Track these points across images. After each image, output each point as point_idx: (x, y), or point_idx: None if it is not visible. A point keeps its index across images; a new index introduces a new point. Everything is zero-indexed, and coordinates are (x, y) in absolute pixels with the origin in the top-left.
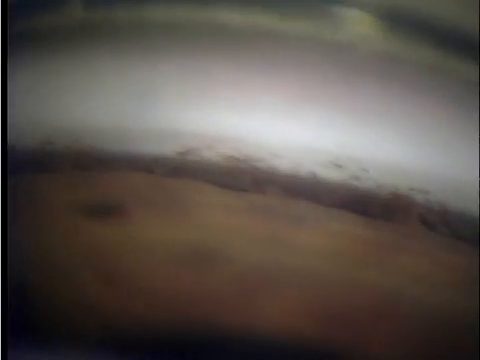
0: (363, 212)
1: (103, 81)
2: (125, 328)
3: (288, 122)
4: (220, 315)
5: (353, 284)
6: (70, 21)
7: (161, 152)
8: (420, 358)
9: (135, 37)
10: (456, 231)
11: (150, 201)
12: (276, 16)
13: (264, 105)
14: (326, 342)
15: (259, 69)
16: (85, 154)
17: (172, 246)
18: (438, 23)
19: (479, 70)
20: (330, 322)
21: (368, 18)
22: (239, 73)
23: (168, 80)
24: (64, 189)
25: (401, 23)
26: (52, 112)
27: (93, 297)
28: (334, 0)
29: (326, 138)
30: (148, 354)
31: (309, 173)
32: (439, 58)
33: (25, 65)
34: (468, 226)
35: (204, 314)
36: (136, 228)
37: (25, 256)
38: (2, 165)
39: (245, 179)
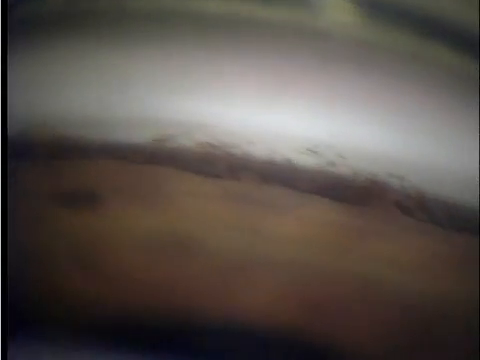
0: (339, 198)
1: (79, 70)
2: (105, 315)
3: (264, 109)
4: (198, 302)
5: (330, 270)
6: (46, 11)
7: (137, 140)
8: (400, 343)
9: (112, 26)
10: (433, 216)
11: (127, 189)
12: (256, 4)
13: (240, 92)
14: (304, 329)
15: (236, 56)
16: (62, 143)
17: (149, 234)
18: (417, 10)
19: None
20: (308, 308)
21: (347, 5)
22: (216, 61)
23: (144, 68)
24: (41, 178)
25: (380, 10)
26: (28, 102)
27: (73, 284)
28: None
29: (302, 124)
30: (129, 339)
31: (284, 159)
32: (417, 45)
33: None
34: (445, 211)
35: (182, 301)
36: (114, 216)
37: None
38: (2, 157)
39: (220, 166)
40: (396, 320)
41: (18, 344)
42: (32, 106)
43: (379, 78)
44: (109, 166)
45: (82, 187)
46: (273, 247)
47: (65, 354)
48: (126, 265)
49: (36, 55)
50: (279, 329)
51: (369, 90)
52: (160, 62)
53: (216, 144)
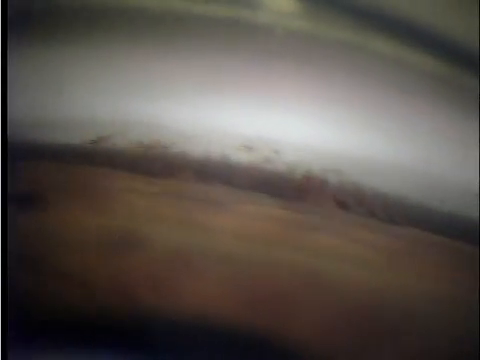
0: (276, 194)
1: (16, 71)
2: (55, 315)
3: (199, 106)
4: (145, 297)
5: (271, 264)
6: None
7: (74, 141)
8: (341, 336)
9: (46, 27)
10: (370, 209)
11: (68, 190)
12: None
13: (176, 90)
14: (244, 322)
15: (170, 55)
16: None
17: (91, 233)
18: (357, 1)
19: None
20: (252, 301)
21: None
22: (151, 59)
23: (80, 69)
24: None
25: (320, 2)
26: None
27: (21, 285)
28: None
29: (238, 121)
30: (79, 338)
31: (221, 156)
32: (357, 36)
33: None
34: (381, 204)
35: (129, 297)
36: (57, 216)
37: None
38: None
39: (157, 164)
40: (339, 313)
41: None
42: None
43: (315, 71)
44: (50, 168)
45: (27, 188)
46: (213, 243)
47: (13, 354)
48: (71, 265)
49: None
50: (225, 322)
51: (304, 84)
52: (96, 63)
53: (152, 143)
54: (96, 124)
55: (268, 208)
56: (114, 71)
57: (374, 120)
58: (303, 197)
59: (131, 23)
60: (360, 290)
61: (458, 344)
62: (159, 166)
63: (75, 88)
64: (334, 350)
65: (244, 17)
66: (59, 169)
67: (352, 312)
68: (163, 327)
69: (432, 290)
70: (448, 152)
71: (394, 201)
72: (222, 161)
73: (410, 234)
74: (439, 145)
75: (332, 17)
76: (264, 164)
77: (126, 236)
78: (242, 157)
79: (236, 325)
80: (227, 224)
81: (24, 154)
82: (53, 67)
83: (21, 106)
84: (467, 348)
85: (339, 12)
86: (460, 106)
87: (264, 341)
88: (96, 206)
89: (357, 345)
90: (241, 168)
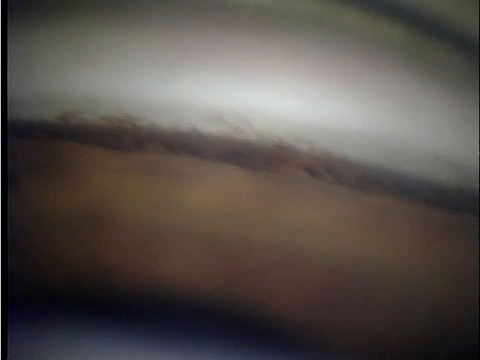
0: (247, 165)
1: None
2: (30, 294)
3: (168, 79)
4: (120, 274)
5: (244, 239)
6: None
7: (43, 117)
8: (317, 307)
9: (17, 4)
10: (340, 177)
11: (37, 167)
12: None
13: (143, 63)
14: (221, 296)
15: (137, 28)
16: None
17: (63, 210)
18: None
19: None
20: (224, 277)
21: None
22: (117, 33)
23: (46, 45)
24: None
25: None
26: None
27: None
28: None
29: (207, 92)
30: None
31: (190, 128)
32: (328, 9)
33: None
34: (351, 171)
35: (105, 275)
36: (28, 194)
37: None
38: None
39: (126, 138)
40: (314, 283)
41: None
42: None
43: (282, 42)
44: (18, 145)
45: None
46: (186, 216)
47: None
48: (44, 243)
49: None
50: (202, 296)
51: (273, 55)
52: (64, 39)
53: (121, 117)
54: (65, 100)
55: (239, 180)
56: (82, 47)
57: (344, 90)
58: (274, 166)
59: (94, 1)
60: (335, 261)
61: (435, 312)
62: (128, 140)
63: (43, 64)
64: (310, 321)
65: None
66: (29, 146)
67: (327, 283)
68: (140, 303)
69: (407, 258)
70: (417, 118)
71: (364, 168)
72: (192, 133)
73: (382, 201)
74: (409, 112)
75: None
76: (234, 134)
77: (98, 213)
78: (212, 128)
79: (213, 299)
80: (199, 198)
81: None
82: (21, 43)
83: None
84: (445, 314)
85: None
86: (428, 74)
87: (242, 315)
88: (67, 183)
89: (333, 315)
90: (210, 139)
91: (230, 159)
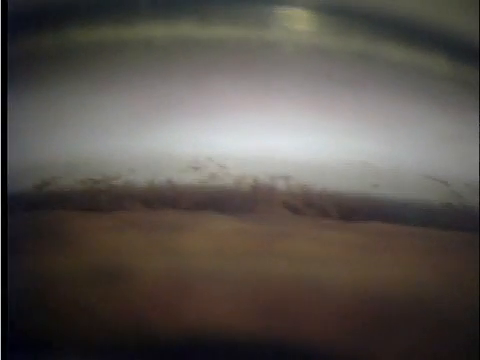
0: (224, 209)
1: None
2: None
3: (141, 133)
4: (149, 325)
5: (253, 277)
6: None
7: (20, 188)
8: (348, 333)
9: None
10: (320, 210)
11: (29, 235)
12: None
13: (115, 121)
14: (257, 333)
15: (105, 86)
16: None
17: (66, 273)
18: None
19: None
20: (255, 313)
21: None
22: (85, 95)
23: (19, 116)
24: None
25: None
26: None
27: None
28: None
29: (181, 143)
30: None
31: (165, 181)
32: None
33: None
34: (332, 203)
35: (131, 328)
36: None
37: None
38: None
39: (102, 199)
40: (338, 310)
41: None
42: None
43: (246, 82)
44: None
45: None
46: (192, 261)
47: None
48: (47, 303)
49: None
50: (238, 336)
51: (240, 95)
52: (34, 107)
53: (98, 178)
54: (41, 168)
55: (223, 224)
56: (54, 113)
57: (319, 121)
58: (252, 207)
59: (59, 63)
60: (349, 287)
61: (445, 325)
62: (105, 200)
63: (17, 135)
64: (345, 345)
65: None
66: (15, 218)
67: (349, 308)
68: (178, 349)
69: (411, 276)
70: (398, 140)
71: (344, 198)
72: (167, 185)
73: (370, 227)
74: (389, 135)
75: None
76: (210, 181)
77: (107, 270)
78: (187, 178)
79: (250, 336)
80: (194, 243)
81: None
82: None
83: None
84: (456, 329)
85: None
86: (405, 94)
87: (279, 348)
88: (64, 247)
89: (366, 337)
90: (186, 189)
91: (207, 206)
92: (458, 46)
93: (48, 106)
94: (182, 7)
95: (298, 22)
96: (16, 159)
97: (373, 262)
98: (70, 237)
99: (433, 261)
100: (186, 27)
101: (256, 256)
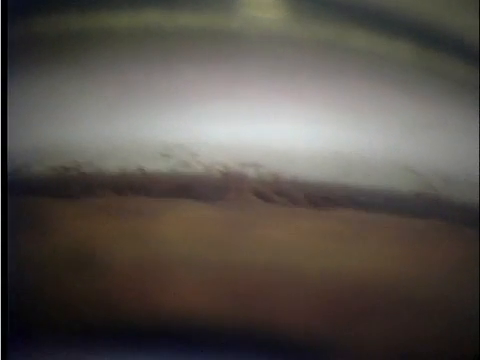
0: (195, 197)
1: None
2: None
3: (111, 120)
4: (121, 309)
5: (226, 265)
6: None
7: None
8: (321, 321)
9: None
10: (290, 198)
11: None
12: None
13: (85, 107)
14: (229, 320)
15: (74, 72)
16: None
17: (45, 257)
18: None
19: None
20: (227, 301)
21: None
22: (54, 81)
23: None
24: None
25: None
26: None
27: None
28: None
29: (151, 130)
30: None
31: (136, 169)
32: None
33: None
34: (302, 191)
35: (103, 311)
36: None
37: None
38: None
39: (74, 186)
40: (312, 297)
41: None
42: None
43: (214, 67)
44: None
45: None
46: (166, 248)
47: None
48: (37, 290)
49: None
50: (210, 322)
51: (213, 81)
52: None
53: (68, 165)
54: (12, 154)
55: (194, 211)
56: (22, 98)
57: (288, 108)
58: (222, 195)
59: (28, 50)
60: (323, 273)
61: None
62: (77, 187)
63: None
64: (318, 334)
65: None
66: None
67: (323, 296)
68: (148, 335)
69: (383, 263)
70: (369, 128)
71: (314, 186)
72: (138, 173)
73: (341, 215)
74: (360, 123)
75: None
76: (180, 169)
77: (81, 255)
78: (158, 165)
79: (221, 323)
80: (167, 230)
81: None
82: None
83: None
84: (432, 315)
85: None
86: (378, 81)
87: (251, 335)
88: (40, 233)
89: (338, 326)
90: (157, 177)
91: (178, 194)
92: (425, 33)
93: (17, 93)
94: None
95: (265, 9)
96: None
97: (343, 249)
98: (40, 224)
99: (404, 248)
100: (152, 15)
101: (227, 243)
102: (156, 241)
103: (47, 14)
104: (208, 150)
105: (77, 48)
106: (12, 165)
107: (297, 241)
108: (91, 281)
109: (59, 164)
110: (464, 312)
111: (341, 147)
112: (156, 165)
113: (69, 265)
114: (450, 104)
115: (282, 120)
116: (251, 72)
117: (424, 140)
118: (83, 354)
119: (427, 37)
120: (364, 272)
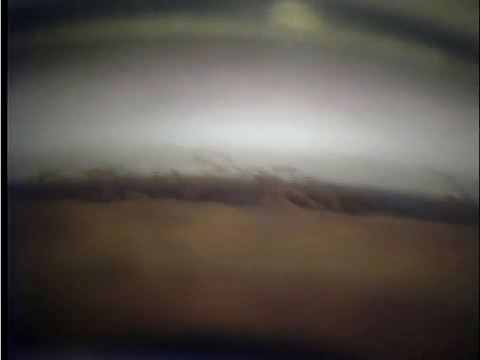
0: (229, 201)
1: None
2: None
3: (145, 124)
4: (151, 319)
5: (262, 270)
6: None
7: (22, 177)
8: (354, 329)
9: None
10: (325, 203)
11: (31, 225)
12: None
13: (119, 111)
14: (264, 329)
15: (108, 76)
16: None
17: (71, 263)
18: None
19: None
20: (262, 309)
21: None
22: (88, 86)
23: (21, 105)
24: None
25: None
26: None
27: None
28: None
29: (185, 133)
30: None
31: (170, 172)
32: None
33: None
34: (336, 196)
35: (133, 321)
36: (28, 251)
37: None
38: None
39: (106, 189)
40: (345, 304)
41: None
42: None
43: (252, 73)
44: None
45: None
46: (197, 255)
47: None
48: (73, 294)
49: None
50: (245, 331)
51: (249, 87)
52: (36, 97)
53: (101, 168)
54: (43, 158)
55: (227, 216)
56: (56, 103)
57: (324, 114)
58: (256, 199)
59: (62, 56)
60: (355, 281)
61: (452, 321)
62: (109, 191)
63: (19, 125)
64: (351, 341)
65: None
66: (18, 208)
67: (355, 303)
68: (184, 344)
69: (414, 271)
70: (402, 133)
71: (348, 191)
72: (172, 176)
73: (374, 220)
74: (393, 128)
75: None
76: (215, 173)
77: (113, 262)
78: (192, 169)
79: (257, 331)
80: (198, 237)
81: None
82: None
83: None
84: (459, 324)
85: None
86: (408, 87)
87: (287, 343)
88: (67, 238)
89: (371, 333)
90: (191, 180)
91: (211, 198)
92: (455, 41)
93: (50, 97)
94: (178, 2)
95: (295, 17)
96: (17, 149)
97: (377, 257)
98: (72, 228)
99: (436, 255)
100: (182, 23)
101: (261, 251)
102: (188, 248)
103: (82, 19)
104: (243, 154)
105: (114, 55)
106: (42, 169)
107: (332, 247)
108: (121, 287)
109: (92, 168)
110: None
111: (375, 153)
112: (190, 169)
113: (100, 270)
114: None
115: (317, 125)
116: (282, 78)
117: (455, 145)
118: None
119: (456, 45)
120: (396, 279)
